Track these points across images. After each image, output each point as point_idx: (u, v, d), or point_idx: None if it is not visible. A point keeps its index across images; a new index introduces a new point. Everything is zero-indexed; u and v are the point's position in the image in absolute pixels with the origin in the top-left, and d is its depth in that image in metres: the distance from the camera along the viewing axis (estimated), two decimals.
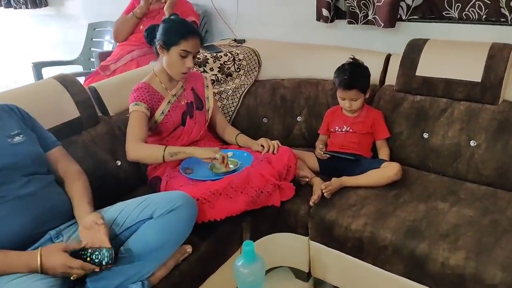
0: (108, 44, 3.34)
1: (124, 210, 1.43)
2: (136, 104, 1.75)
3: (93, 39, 3.47)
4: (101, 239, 1.29)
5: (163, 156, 1.67)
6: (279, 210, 1.73)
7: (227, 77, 2.31)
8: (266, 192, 1.63)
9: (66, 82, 1.83)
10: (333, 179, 1.79)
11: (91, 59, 3.35)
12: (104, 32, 3.41)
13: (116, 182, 1.84)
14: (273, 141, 1.80)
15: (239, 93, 2.29)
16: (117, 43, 2.71)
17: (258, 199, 1.62)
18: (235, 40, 2.56)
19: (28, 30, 4.31)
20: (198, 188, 1.56)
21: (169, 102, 1.84)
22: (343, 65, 1.94)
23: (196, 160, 1.71)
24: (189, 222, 1.43)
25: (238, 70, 2.33)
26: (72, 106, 1.80)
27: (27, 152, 1.39)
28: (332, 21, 2.31)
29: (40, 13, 4.04)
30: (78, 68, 3.47)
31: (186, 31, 1.75)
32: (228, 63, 2.32)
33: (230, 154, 1.86)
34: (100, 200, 1.60)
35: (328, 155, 1.92)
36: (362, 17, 2.20)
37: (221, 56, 2.32)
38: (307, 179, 1.84)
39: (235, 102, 2.27)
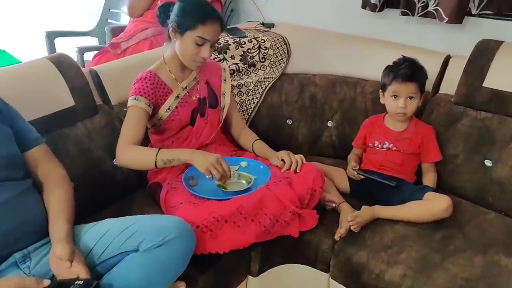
0: (125, 16, 3.03)
1: (106, 235, 1.15)
2: (135, 98, 1.44)
3: (111, 10, 3.18)
4: (77, 269, 1.04)
5: (155, 162, 1.37)
6: (297, 240, 1.41)
7: (249, 68, 1.98)
8: (283, 221, 1.32)
9: (62, 64, 1.53)
10: (364, 208, 1.46)
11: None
12: (122, 2, 3.10)
13: (112, 184, 1.58)
14: (296, 156, 1.48)
15: (261, 87, 1.95)
16: (132, 19, 2.40)
17: (272, 229, 1.31)
18: (262, 24, 2.21)
19: None
20: (199, 210, 1.26)
21: (177, 96, 1.52)
22: (394, 61, 1.59)
23: None
24: (184, 259, 1.14)
25: (263, 60, 1.99)
26: (66, 93, 1.51)
27: None
28: (381, 9, 1.93)
29: None
30: (93, 40, 3.20)
31: (205, 14, 1.42)
32: (252, 51, 1.98)
33: (244, 164, 1.54)
34: (92, 205, 1.46)
35: (362, 176, 1.58)
36: (421, 7, 1.80)
37: (245, 43, 1.98)
38: (334, 205, 1.51)
39: (256, 98, 1.94)
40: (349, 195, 1.63)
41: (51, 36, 2.96)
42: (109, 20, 3.15)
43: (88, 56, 2.72)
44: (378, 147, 1.64)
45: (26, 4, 4.30)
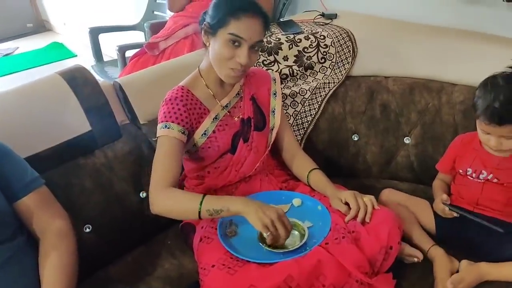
0: None
1: None
2: (166, 126, 1.16)
3: (157, 1, 2.96)
4: None
5: (199, 213, 1.08)
6: None
7: (305, 71, 1.64)
8: None
9: (76, 80, 1.31)
10: (465, 265, 1.13)
11: None
12: None
13: (139, 222, 1.35)
14: (365, 198, 1.14)
15: (320, 95, 1.61)
16: (172, 14, 2.14)
17: None
18: (323, 15, 1.85)
19: None
20: (235, 283, 0.97)
21: (216, 117, 1.24)
22: (494, 78, 1.16)
23: None
24: None
25: (323, 61, 1.65)
26: (80, 116, 1.29)
27: None
28: None
29: None
30: (139, 35, 3.01)
31: (239, 5, 1.11)
32: (309, 50, 1.64)
33: (297, 202, 1.23)
34: (115, 249, 1.29)
35: (456, 214, 1.21)
36: None
37: (300, 40, 1.65)
38: (416, 259, 1.16)
39: (314, 108, 1.60)
40: (435, 237, 1.27)
41: (94, 33, 2.81)
42: (155, 13, 2.95)
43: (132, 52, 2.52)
44: (472, 177, 1.26)
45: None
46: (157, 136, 1.20)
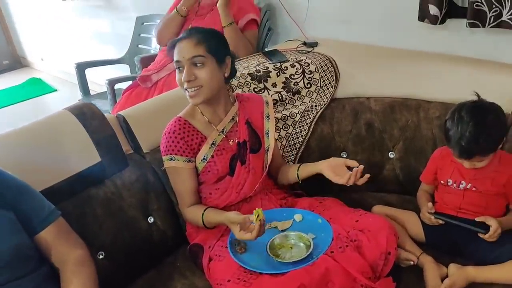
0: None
1: None
2: (171, 159, 1.30)
3: (141, 35, 3.05)
4: None
5: (204, 225, 1.31)
6: None
7: (293, 96, 1.76)
8: None
9: (85, 115, 1.38)
10: (453, 269, 1.24)
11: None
12: (153, 27, 2.96)
13: (149, 246, 1.43)
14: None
15: (309, 118, 1.73)
16: (161, 47, 2.24)
17: None
18: (304, 44, 1.99)
19: (77, 22, 4.00)
20: None
21: (213, 143, 1.34)
22: (460, 111, 1.25)
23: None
24: None
25: (309, 86, 1.78)
26: (90, 148, 1.36)
27: None
28: (443, 21, 1.66)
29: (90, 4, 3.70)
30: (125, 68, 3.09)
31: (176, 40, 1.29)
32: (296, 76, 1.77)
33: (298, 217, 1.33)
34: (128, 273, 1.35)
35: (441, 220, 1.33)
36: (493, 17, 1.53)
37: (287, 68, 1.77)
38: (411, 262, 1.27)
39: (304, 130, 1.72)
40: (425, 244, 1.38)
41: (81, 68, 2.87)
42: (140, 46, 3.03)
43: (120, 85, 2.59)
44: (453, 187, 1.38)
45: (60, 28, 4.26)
46: (165, 166, 1.31)
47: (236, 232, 1.16)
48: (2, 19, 4.97)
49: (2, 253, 0.95)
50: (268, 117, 1.47)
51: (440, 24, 1.66)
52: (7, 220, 0.99)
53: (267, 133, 1.45)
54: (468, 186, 1.34)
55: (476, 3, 1.53)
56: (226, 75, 1.32)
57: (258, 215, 1.11)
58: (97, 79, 3.51)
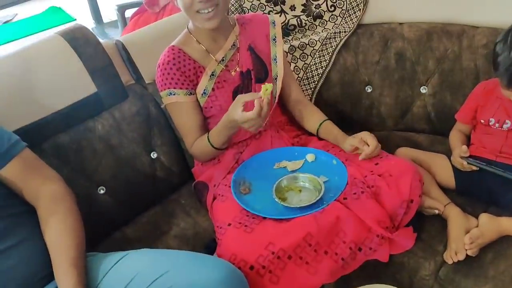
0: None
1: (131, 286, 0.88)
2: (171, 93, 1.15)
3: None
4: None
5: (216, 148, 1.18)
6: (386, 263, 1.06)
7: (314, 20, 1.56)
8: (368, 248, 0.97)
9: (77, 41, 1.25)
10: (484, 219, 1.08)
11: None
12: None
13: (152, 182, 1.34)
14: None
15: (331, 46, 1.53)
16: None
17: (352, 261, 0.97)
18: None
19: None
20: (253, 241, 0.94)
21: (213, 74, 1.18)
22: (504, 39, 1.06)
23: (255, 163, 1.16)
24: None
25: (332, 9, 1.55)
26: (85, 77, 1.25)
27: None
28: None
29: None
30: None
31: None
32: None
33: (310, 157, 1.19)
34: (130, 210, 1.30)
35: (475, 167, 1.16)
36: None
37: None
38: (436, 212, 1.12)
39: (325, 60, 1.52)
40: (455, 191, 1.22)
41: (122, 9, 2.64)
42: None
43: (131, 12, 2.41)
44: (495, 127, 1.19)
45: None
46: (164, 103, 1.18)
47: (238, 113, 1.02)
48: None
49: None
50: (274, 40, 1.27)
51: None
52: None
53: (275, 59, 1.26)
54: None
55: None
56: None
57: (267, 89, 0.99)
58: (112, 6, 3.33)
